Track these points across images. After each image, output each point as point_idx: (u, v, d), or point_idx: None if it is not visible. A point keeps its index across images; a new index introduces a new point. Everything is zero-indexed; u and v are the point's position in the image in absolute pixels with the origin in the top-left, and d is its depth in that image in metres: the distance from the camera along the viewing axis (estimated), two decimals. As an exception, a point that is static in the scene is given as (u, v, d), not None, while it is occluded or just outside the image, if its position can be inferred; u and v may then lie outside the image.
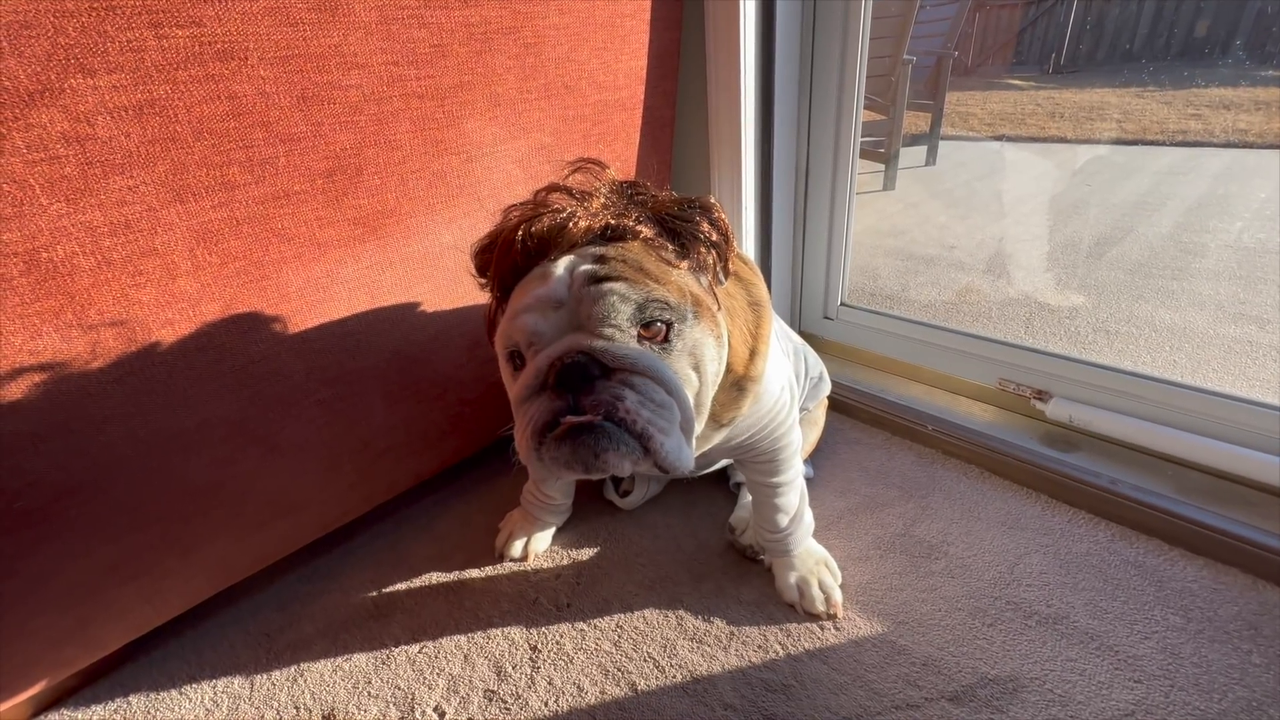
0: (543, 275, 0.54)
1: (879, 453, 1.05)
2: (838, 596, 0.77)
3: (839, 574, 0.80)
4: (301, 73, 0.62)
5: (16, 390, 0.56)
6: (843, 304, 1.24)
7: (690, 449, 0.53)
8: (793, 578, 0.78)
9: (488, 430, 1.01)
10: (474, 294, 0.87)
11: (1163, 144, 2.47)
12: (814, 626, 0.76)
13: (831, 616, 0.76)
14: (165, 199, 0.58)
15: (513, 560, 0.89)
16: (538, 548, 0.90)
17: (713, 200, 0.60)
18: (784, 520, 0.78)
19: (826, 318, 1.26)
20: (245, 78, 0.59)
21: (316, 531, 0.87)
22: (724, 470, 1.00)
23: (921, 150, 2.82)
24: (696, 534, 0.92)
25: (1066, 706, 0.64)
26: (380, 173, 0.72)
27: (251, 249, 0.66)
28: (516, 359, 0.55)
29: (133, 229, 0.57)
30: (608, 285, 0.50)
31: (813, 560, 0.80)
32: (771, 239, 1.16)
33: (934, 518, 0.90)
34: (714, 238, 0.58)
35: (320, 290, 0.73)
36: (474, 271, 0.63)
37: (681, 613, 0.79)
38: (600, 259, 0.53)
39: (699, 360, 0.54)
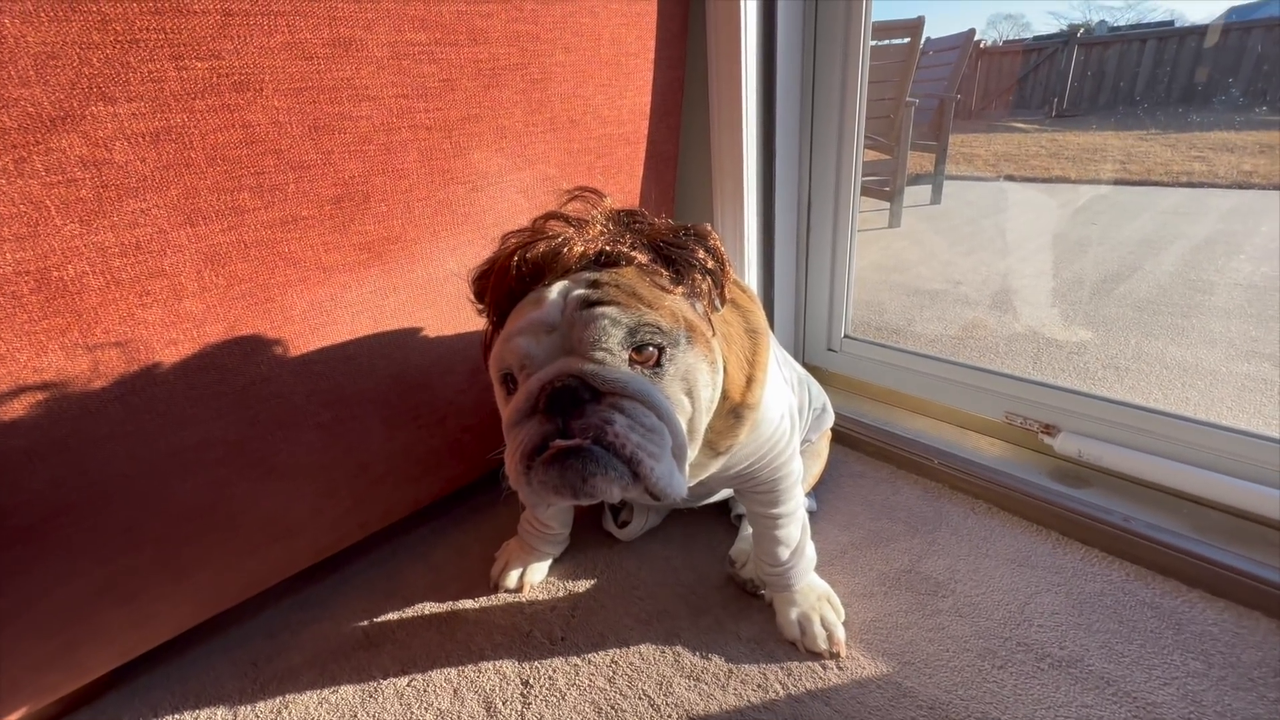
0: (537, 300, 0.54)
1: (884, 486, 1.03)
2: (840, 634, 0.74)
3: (842, 611, 0.77)
4: (314, 104, 0.65)
5: (17, 407, 0.56)
6: (846, 336, 1.23)
7: (683, 475, 0.52)
8: (794, 614, 0.76)
9: (487, 458, 1.01)
10: (476, 321, 0.88)
11: (1168, 185, 2.49)
12: (816, 665, 0.73)
13: (834, 655, 0.73)
14: (176, 222, 0.60)
15: (508, 591, 0.88)
16: (533, 579, 0.88)
17: (709, 228, 0.60)
18: (785, 553, 0.76)
19: (830, 350, 1.25)
20: (260, 107, 0.62)
21: (310, 558, 0.86)
22: (725, 502, 0.98)
23: (927, 189, 2.87)
24: (696, 567, 0.90)
25: (1082, 757, 0.61)
26: (387, 200, 0.74)
27: (258, 271, 0.67)
28: (510, 382, 0.55)
29: (143, 250, 0.59)
30: (600, 309, 0.51)
31: (815, 596, 0.77)
32: (774, 271, 1.17)
33: (941, 554, 0.88)
34: (709, 264, 0.58)
35: (324, 314, 0.74)
36: (472, 297, 0.64)
37: (679, 649, 0.76)
38: (594, 284, 0.53)
39: (692, 385, 0.54)
